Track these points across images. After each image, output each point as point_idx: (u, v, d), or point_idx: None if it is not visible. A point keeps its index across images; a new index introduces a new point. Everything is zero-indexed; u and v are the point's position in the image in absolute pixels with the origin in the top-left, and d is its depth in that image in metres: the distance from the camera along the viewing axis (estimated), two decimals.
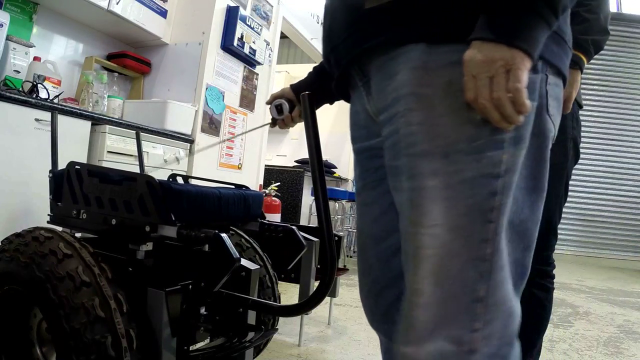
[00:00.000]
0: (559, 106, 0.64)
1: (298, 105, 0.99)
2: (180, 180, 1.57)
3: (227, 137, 2.79)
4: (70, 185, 1.15)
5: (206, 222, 1.15)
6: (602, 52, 1.35)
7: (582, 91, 1.43)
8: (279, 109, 0.98)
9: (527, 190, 0.60)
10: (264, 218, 1.40)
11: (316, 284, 1.28)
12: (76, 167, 1.15)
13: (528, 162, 0.60)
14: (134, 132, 1.90)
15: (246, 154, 3.01)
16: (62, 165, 1.22)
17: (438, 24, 0.58)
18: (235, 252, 0.99)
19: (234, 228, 1.51)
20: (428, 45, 0.58)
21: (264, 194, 2.85)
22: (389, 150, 0.64)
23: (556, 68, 0.62)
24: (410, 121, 0.59)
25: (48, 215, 1.24)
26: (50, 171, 1.27)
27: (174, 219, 1.02)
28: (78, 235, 1.17)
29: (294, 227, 1.43)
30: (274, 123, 1.02)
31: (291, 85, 1.01)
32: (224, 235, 1.00)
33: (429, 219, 0.57)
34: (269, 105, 1.01)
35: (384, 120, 0.65)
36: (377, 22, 0.63)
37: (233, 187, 1.34)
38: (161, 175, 1.14)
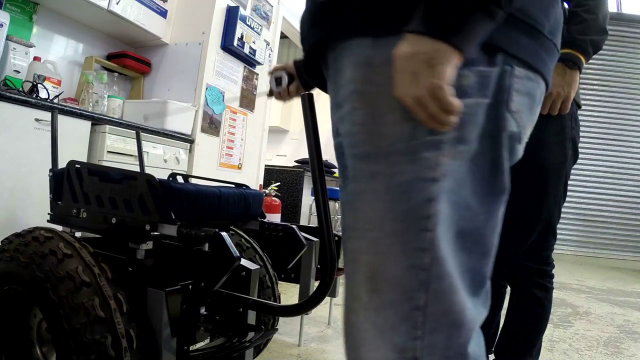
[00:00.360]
0: (531, 102, 0.59)
1: (297, 80, 0.98)
2: (180, 179, 1.57)
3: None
4: (71, 184, 1.15)
5: (206, 221, 1.15)
6: (602, 52, 1.35)
7: (582, 91, 1.43)
8: (277, 81, 0.98)
9: (482, 196, 0.55)
10: (264, 217, 1.40)
11: (316, 284, 1.28)
12: (76, 166, 1.15)
13: (481, 164, 0.55)
14: (134, 132, 1.90)
15: (246, 154, 3.01)
16: (62, 165, 1.22)
17: (383, 15, 0.54)
18: (235, 251, 0.99)
19: (234, 228, 1.51)
20: (374, 39, 0.55)
21: (264, 194, 2.85)
22: (342, 150, 0.63)
23: (525, 62, 0.56)
24: (354, 120, 0.57)
25: (48, 214, 1.24)
26: (50, 170, 1.27)
27: (174, 217, 1.02)
28: (78, 235, 1.17)
29: (294, 226, 1.43)
30: (270, 93, 1.02)
31: (294, 60, 0.99)
32: (224, 233, 1.00)
33: (366, 224, 0.55)
34: (270, 76, 1.01)
35: (338, 118, 0.62)
36: (329, 14, 0.60)
37: (233, 186, 1.34)
38: (161, 175, 1.14)
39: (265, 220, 1.41)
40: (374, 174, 0.55)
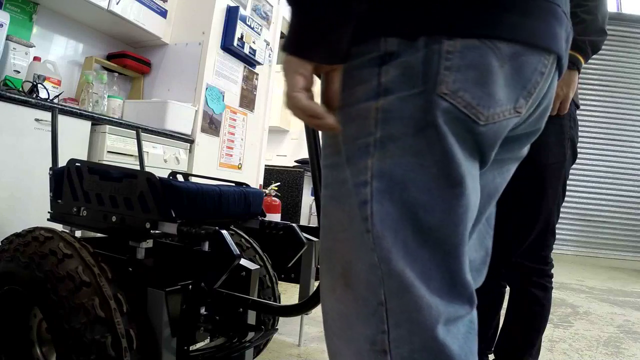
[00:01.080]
0: (479, 74, 0.51)
1: None
2: (180, 178, 1.57)
3: None
4: (71, 182, 1.16)
5: (206, 219, 1.15)
6: (602, 52, 1.35)
7: (582, 91, 1.43)
8: None
9: (436, 191, 0.52)
10: (265, 216, 1.40)
11: (316, 284, 1.28)
12: (76, 164, 1.15)
13: (430, 158, 0.52)
14: (134, 132, 1.90)
15: (246, 154, 3.01)
16: (62, 164, 1.22)
17: None
18: (235, 249, 0.99)
19: (234, 228, 1.51)
20: None
21: (264, 194, 2.85)
22: None
23: (459, 32, 0.50)
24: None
25: (48, 212, 1.24)
26: (50, 169, 1.27)
27: (174, 215, 1.03)
28: (78, 235, 1.17)
29: (294, 225, 1.43)
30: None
31: None
32: (224, 231, 1.00)
33: (334, 225, 0.58)
34: None
35: None
36: None
37: (233, 184, 1.34)
38: (161, 174, 1.15)
39: (265, 219, 1.41)
40: (331, 181, 0.58)
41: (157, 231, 1.03)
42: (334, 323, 0.59)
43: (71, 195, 1.16)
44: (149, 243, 1.07)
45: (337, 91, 0.55)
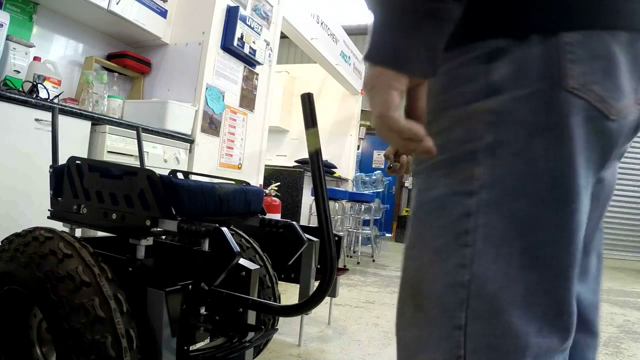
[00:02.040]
0: (607, 64, 0.45)
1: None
2: (180, 176, 1.57)
3: None
4: (71, 180, 1.16)
5: (207, 216, 1.15)
6: None
7: None
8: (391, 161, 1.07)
9: (548, 204, 0.47)
10: (265, 214, 1.40)
11: (316, 284, 1.28)
12: (77, 162, 1.15)
13: (543, 166, 0.46)
14: (134, 132, 1.90)
15: (246, 154, 3.01)
16: (62, 163, 1.22)
17: None
18: (236, 246, 0.99)
19: (234, 228, 1.51)
20: None
21: (264, 195, 2.85)
22: None
23: (575, 25, 0.45)
24: None
25: (48, 210, 1.24)
26: (50, 166, 1.27)
27: (174, 213, 1.02)
28: (78, 234, 1.17)
29: (294, 223, 1.43)
30: (389, 169, 1.05)
31: None
32: (224, 229, 1.00)
33: (408, 241, 0.55)
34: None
35: None
36: None
37: (233, 182, 1.34)
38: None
39: (265, 217, 1.41)
40: (418, 192, 0.53)
41: (157, 229, 1.03)
42: (404, 346, 0.55)
43: (71, 193, 1.16)
44: (149, 241, 1.07)
45: (425, 108, 0.49)
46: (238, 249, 1.00)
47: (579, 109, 0.45)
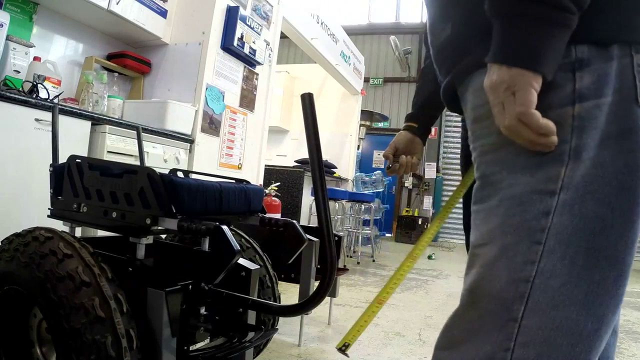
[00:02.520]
0: None
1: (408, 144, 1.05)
2: (181, 175, 1.57)
3: None
4: (71, 178, 1.16)
5: (207, 215, 1.15)
6: None
7: None
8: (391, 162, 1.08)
9: (617, 206, 0.50)
10: (265, 213, 1.40)
11: (316, 284, 1.28)
12: (77, 160, 1.15)
13: (611, 170, 0.50)
14: (134, 132, 1.90)
15: (246, 153, 3.01)
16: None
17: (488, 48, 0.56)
18: (236, 244, 0.99)
19: (234, 228, 1.51)
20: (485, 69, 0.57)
21: (264, 195, 2.85)
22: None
23: None
24: (482, 144, 0.60)
25: (48, 209, 1.24)
26: (51, 165, 1.27)
27: (174, 211, 1.02)
28: (78, 234, 1.17)
29: (294, 221, 1.43)
30: (389, 169, 1.07)
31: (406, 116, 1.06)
32: (224, 227, 1.00)
33: (478, 239, 0.57)
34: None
35: (473, 142, 0.64)
36: (450, 58, 0.64)
37: (234, 181, 1.34)
38: None
39: (265, 215, 1.41)
40: (492, 191, 0.55)
41: (157, 227, 1.03)
42: (449, 335, 0.56)
43: (71, 192, 1.15)
44: (150, 239, 1.06)
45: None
46: (238, 247, 1.00)
47: None
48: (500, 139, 0.55)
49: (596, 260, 0.50)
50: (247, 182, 1.38)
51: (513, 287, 0.51)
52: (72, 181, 1.15)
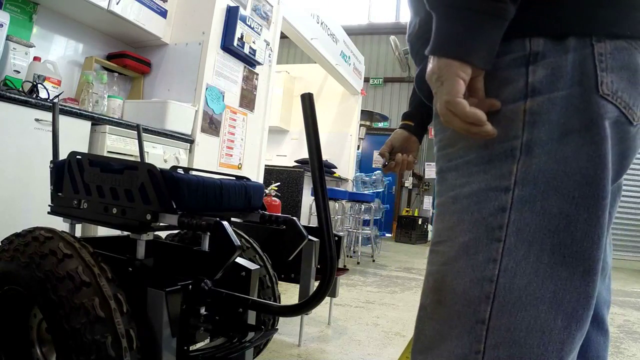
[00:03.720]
0: (632, 74, 0.51)
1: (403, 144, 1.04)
2: (181, 172, 1.56)
3: None
4: (72, 175, 1.15)
5: (207, 211, 1.14)
6: None
7: None
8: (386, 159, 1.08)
9: (580, 200, 0.49)
10: (265, 209, 1.40)
11: (316, 284, 1.28)
12: (77, 156, 1.15)
13: (575, 165, 0.49)
14: (134, 132, 1.90)
15: (246, 153, 3.01)
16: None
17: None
18: (236, 240, 0.99)
19: (234, 228, 1.51)
20: None
21: (264, 194, 2.85)
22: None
23: (608, 34, 0.50)
24: (440, 139, 0.60)
25: (49, 205, 1.24)
26: (51, 162, 1.27)
27: (175, 207, 1.02)
28: (78, 234, 1.17)
29: (294, 218, 1.43)
30: (384, 167, 1.08)
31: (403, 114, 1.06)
32: (225, 222, 1.00)
33: (436, 236, 0.56)
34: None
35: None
36: (420, 47, 0.64)
37: (234, 178, 1.34)
38: None
39: (265, 212, 1.41)
40: (449, 187, 0.55)
41: (158, 223, 1.03)
42: (423, 339, 0.55)
43: (72, 188, 1.15)
44: (150, 236, 1.06)
45: (484, 97, 0.52)
46: (239, 243, 0.99)
47: (610, 113, 0.50)
48: (454, 133, 0.55)
49: (562, 257, 0.49)
50: (248, 179, 1.38)
51: (478, 286, 0.50)
52: (72, 177, 1.15)
